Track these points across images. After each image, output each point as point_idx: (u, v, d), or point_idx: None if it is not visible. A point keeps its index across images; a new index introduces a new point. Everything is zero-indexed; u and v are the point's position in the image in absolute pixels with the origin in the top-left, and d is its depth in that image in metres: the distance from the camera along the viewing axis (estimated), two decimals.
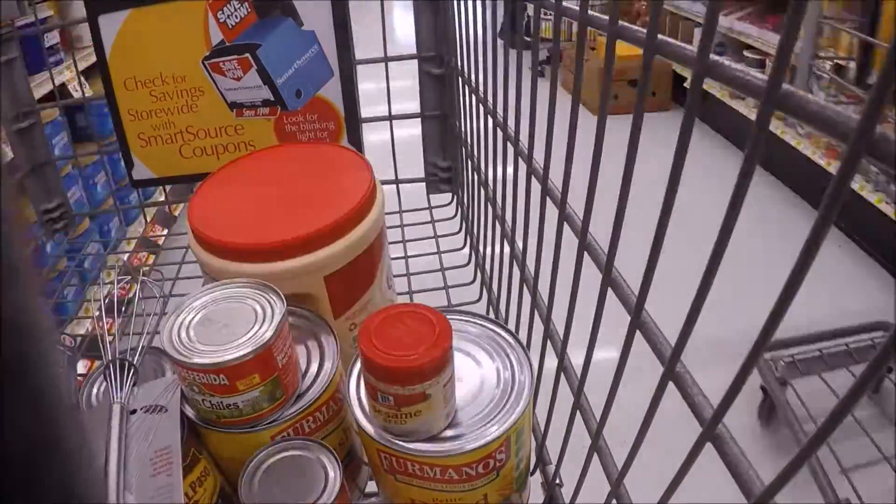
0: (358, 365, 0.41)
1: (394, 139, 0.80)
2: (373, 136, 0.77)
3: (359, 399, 0.39)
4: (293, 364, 0.41)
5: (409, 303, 0.43)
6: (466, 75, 0.61)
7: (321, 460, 0.38)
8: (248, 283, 0.42)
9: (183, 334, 0.39)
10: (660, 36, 0.23)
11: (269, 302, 0.40)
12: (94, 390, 0.46)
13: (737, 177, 0.19)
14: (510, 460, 0.38)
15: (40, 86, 1.59)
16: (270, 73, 0.70)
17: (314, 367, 0.43)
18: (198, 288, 0.43)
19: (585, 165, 0.30)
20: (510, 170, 0.49)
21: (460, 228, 0.80)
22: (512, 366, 0.40)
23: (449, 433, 0.37)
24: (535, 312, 0.46)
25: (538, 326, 0.45)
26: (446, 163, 0.83)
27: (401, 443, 0.37)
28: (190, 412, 0.41)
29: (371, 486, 0.47)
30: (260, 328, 0.38)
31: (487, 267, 0.66)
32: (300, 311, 0.46)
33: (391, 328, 0.36)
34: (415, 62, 0.78)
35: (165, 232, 0.83)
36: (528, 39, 0.41)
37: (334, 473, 0.37)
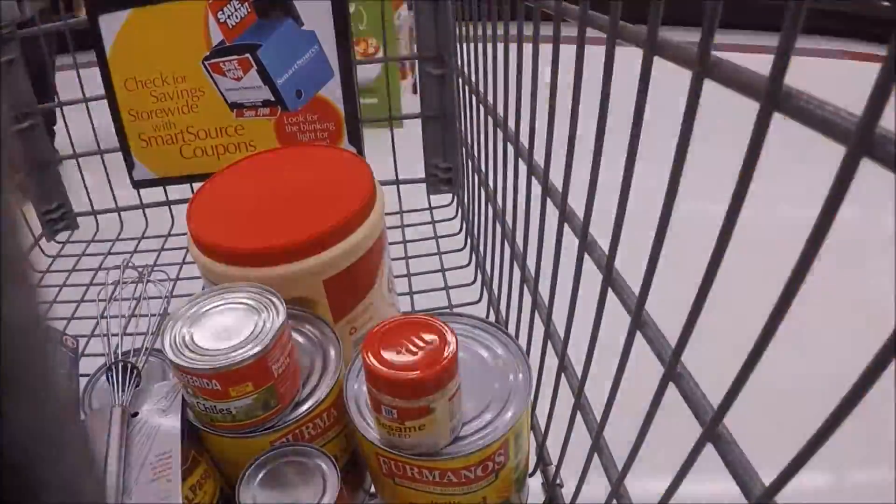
0: (355, 369, 0.41)
1: (394, 139, 0.80)
2: None
3: (356, 403, 0.39)
4: (291, 372, 0.40)
5: (415, 313, 0.43)
6: (466, 75, 0.61)
7: (320, 466, 0.38)
8: (251, 289, 0.41)
9: (181, 337, 0.39)
10: (660, 36, 0.23)
11: (270, 309, 0.39)
12: (97, 392, 0.46)
13: (735, 183, 0.19)
14: (509, 462, 0.38)
15: None
16: (270, 74, 0.70)
17: (317, 373, 0.42)
18: (200, 289, 0.43)
19: (586, 165, 0.30)
20: (510, 170, 0.49)
21: (461, 229, 0.80)
22: (510, 368, 0.40)
23: None
24: (536, 313, 0.46)
25: (539, 327, 0.45)
26: (447, 163, 0.83)
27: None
28: (189, 414, 0.41)
29: None
30: (257, 336, 0.38)
31: (488, 267, 0.65)
32: (304, 314, 0.46)
33: (395, 339, 0.35)
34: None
35: (167, 231, 0.83)
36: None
37: (333, 479, 0.37)
